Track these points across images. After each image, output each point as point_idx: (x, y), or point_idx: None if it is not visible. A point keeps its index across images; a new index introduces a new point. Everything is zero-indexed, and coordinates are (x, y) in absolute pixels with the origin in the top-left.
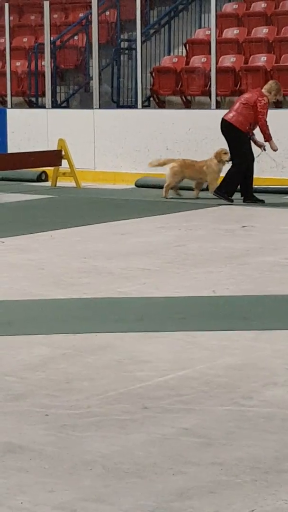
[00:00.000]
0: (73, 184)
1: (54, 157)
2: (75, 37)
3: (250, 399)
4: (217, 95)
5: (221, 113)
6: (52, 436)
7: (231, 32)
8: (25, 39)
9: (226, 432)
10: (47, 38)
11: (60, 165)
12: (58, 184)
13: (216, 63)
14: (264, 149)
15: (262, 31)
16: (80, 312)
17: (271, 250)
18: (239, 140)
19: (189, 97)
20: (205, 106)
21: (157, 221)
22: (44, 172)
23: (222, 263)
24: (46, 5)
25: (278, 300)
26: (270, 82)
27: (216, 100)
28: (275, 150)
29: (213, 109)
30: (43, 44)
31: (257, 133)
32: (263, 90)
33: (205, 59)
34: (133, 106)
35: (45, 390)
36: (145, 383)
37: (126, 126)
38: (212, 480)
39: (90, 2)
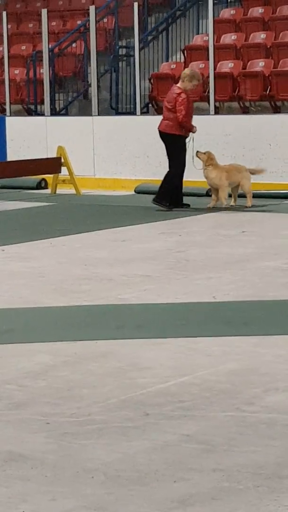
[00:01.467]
0: (73, 191)
1: (53, 165)
2: (73, 45)
3: (252, 405)
4: (215, 100)
5: (220, 118)
6: (53, 444)
7: (228, 38)
8: (23, 47)
9: (227, 438)
10: (45, 46)
11: (60, 172)
12: (58, 191)
13: (214, 69)
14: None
15: (260, 36)
16: (81, 320)
17: (271, 255)
18: (175, 147)
19: None
20: (203, 112)
21: (157, 227)
22: (43, 179)
23: (222, 268)
24: (44, 13)
25: (279, 305)
26: (184, 70)
27: (215, 105)
28: (194, 132)
29: (212, 114)
30: (42, 51)
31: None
32: (178, 84)
33: (203, 65)
34: (132, 112)
35: (46, 398)
36: (146, 389)
37: (125, 132)
38: (214, 487)
39: (88, 10)
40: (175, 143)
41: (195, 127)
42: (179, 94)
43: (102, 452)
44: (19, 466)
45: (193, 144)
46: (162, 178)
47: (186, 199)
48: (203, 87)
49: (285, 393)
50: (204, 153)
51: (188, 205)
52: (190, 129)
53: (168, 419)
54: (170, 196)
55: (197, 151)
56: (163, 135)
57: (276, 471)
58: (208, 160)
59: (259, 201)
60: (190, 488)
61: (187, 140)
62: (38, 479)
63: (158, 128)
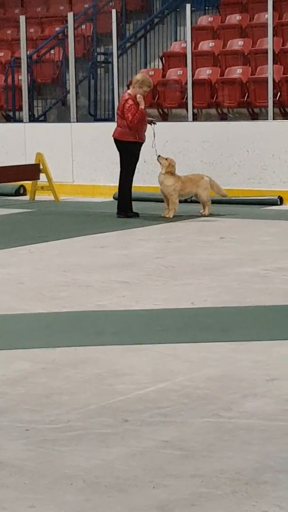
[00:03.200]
0: (51, 197)
1: (32, 171)
2: (52, 51)
3: (230, 410)
4: (193, 107)
5: (199, 125)
6: (32, 451)
7: (206, 45)
8: (1, 54)
9: (206, 444)
10: (23, 52)
11: (38, 178)
12: (37, 197)
13: (192, 76)
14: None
15: (237, 44)
16: (60, 326)
17: (249, 261)
18: (128, 154)
19: (165, 110)
20: (181, 118)
21: (136, 233)
22: (22, 186)
23: (201, 274)
24: (22, 19)
25: (257, 311)
26: (136, 76)
27: (193, 112)
28: (152, 125)
29: (190, 121)
30: (20, 58)
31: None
32: (129, 90)
33: (181, 72)
34: (111, 119)
35: (25, 405)
36: (125, 396)
37: (104, 139)
38: (193, 493)
39: (66, 16)
40: (128, 150)
41: (153, 120)
42: (126, 100)
43: (81, 458)
44: None
45: (154, 139)
46: (140, 184)
47: (160, 206)
48: (181, 93)
49: (263, 398)
50: (166, 159)
51: (137, 214)
52: (141, 136)
53: (147, 426)
54: (130, 203)
55: (159, 155)
56: (117, 142)
57: (254, 476)
58: (169, 167)
59: (237, 207)
60: (169, 494)
61: (152, 128)
62: (17, 486)
63: (112, 136)
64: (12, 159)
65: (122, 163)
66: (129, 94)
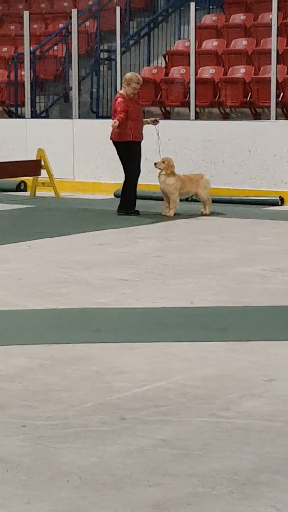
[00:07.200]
0: (52, 194)
1: (33, 167)
2: (55, 47)
3: (228, 410)
4: (196, 106)
5: (201, 124)
6: (29, 448)
7: (210, 44)
8: (4, 49)
9: (203, 444)
10: (26, 48)
11: (39, 174)
12: (37, 194)
13: (195, 75)
14: (158, 135)
15: (241, 43)
16: (58, 323)
17: (249, 261)
18: (126, 154)
19: (168, 108)
20: (184, 117)
21: (136, 231)
22: (23, 181)
23: (200, 274)
24: (26, 15)
25: (255, 311)
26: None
27: (195, 111)
28: (155, 124)
29: (192, 120)
30: (23, 54)
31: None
32: (121, 90)
33: (184, 71)
34: None
35: (23, 401)
36: (122, 394)
37: (105, 136)
38: (189, 492)
39: (70, 13)
40: (127, 151)
41: (156, 119)
42: (116, 99)
43: (78, 455)
44: None
45: (159, 137)
46: (140, 182)
47: (161, 204)
48: (183, 92)
49: (261, 399)
50: (163, 162)
51: (138, 212)
52: (135, 135)
53: (144, 424)
54: (133, 202)
55: (155, 163)
56: (115, 144)
57: (251, 477)
58: (169, 168)
59: (238, 207)
60: (165, 493)
61: (155, 128)
62: (13, 482)
63: (110, 139)
64: (14, 155)
65: (124, 164)
66: (120, 94)
